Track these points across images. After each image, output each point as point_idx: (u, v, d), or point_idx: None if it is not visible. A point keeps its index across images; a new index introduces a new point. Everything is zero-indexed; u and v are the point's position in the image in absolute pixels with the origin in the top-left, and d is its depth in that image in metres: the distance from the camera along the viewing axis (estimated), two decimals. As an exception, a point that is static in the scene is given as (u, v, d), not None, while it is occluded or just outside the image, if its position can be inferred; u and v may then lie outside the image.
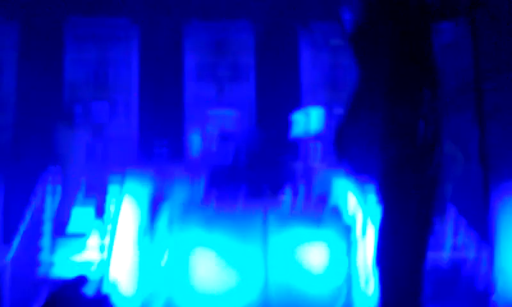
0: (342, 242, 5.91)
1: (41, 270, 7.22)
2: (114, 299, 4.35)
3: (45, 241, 7.53)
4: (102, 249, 7.21)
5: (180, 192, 7.39)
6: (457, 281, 6.18)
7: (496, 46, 7.54)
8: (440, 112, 3.01)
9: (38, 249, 7.49)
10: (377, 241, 3.03)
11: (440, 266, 6.32)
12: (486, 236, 6.29)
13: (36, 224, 7.82)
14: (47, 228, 7.67)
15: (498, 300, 5.59)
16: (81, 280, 4.38)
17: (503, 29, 7.82)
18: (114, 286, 6.15)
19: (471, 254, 6.73)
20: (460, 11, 3.05)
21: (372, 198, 3.23)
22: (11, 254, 7.02)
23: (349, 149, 3.20)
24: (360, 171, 3.24)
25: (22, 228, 7.58)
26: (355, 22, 3.25)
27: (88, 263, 7.05)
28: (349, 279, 5.85)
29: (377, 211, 3.03)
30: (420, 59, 3.12)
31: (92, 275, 6.60)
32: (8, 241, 7.34)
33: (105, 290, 4.52)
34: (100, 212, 7.52)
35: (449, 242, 6.79)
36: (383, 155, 3.03)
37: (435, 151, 3.05)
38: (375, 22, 3.20)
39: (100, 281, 5.92)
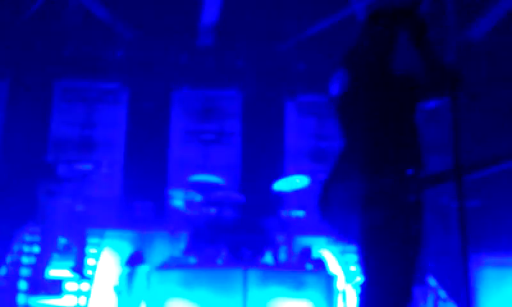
0: (324, 300, 5.85)
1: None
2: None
3: (21, 297, 7.41)
4: (79, 295, 7.13)
5: (160, 249, 7.38)
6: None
7: (478, 124, 7.78)
8: (422, 182, 3.09)
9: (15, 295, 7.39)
10: (358, 303, 3.05)
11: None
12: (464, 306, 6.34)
13: (13, 279, 7.73)
14: (23, 284, 7.58)
15: None
16: None
17: (485, 108, 8.09)
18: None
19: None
20: (444, 92, 3.13)
21: (353, 257, 3.26)
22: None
23: (332, 211, 3.25)
24: (342, 233, 3.27)
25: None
26: (341, 91, 3.36)
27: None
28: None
29: (358, 271, 3.06)
30: (403, 132, 3.21)
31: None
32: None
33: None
34: (78, 267, 7.44)
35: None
36: (364, 219, 3.08)
37: (416, 218, 3.11)
38: (360, 93, 3.31)
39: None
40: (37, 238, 7.75)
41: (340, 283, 6.23)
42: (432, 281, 6.99)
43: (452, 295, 6.95)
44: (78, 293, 7.28)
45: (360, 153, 3.17)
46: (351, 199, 3.15)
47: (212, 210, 7.32)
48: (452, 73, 3.05)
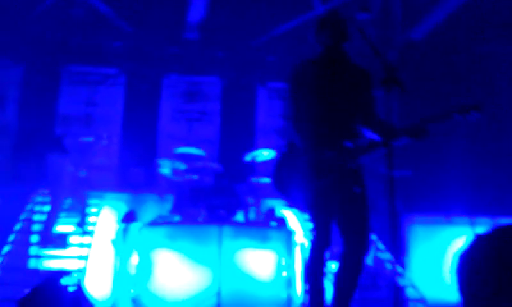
0: (284, 251, 5.95)
1: (31, 263, 7.11)
2: (88, 294, 4.32)
3: (33, 249, 7.42)
4: (81, 247, 7.15)
5: (150, 209, 7.42)
6: (379, 278, 6.31)
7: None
8: (358, 151, 3.15)
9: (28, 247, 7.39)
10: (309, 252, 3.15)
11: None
12: (396, 255, 6.53)
13: (26, 234, 7.72)
14: (35, 237, 7.57)
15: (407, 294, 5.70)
16: (61, 274, 4.29)
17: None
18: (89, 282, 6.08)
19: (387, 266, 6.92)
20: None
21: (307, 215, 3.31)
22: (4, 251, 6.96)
23: (283, 184, 3.32)
24: (291, 200, 3.33)
25: (14, 235, 7.48)
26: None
27: (71, 259, 7.00)
28: (290, 281, 5.88)
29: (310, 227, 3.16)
30: (348, 116, 3.26)
31: (73, 271, 6.56)
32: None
33: (83, 285, 4.42)
34: (81, 223, 7.46)
35: (370, 258, 6.92)
36: (313, 184, 3.13)
37: (356, 181, 3.19)
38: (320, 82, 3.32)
39: (79, 277, 5.83)
40: (47, 198, 7.73)
41: (298, 237, 6.34)
42: (373, 236, 7.12)
43: (388, 247, 7.10)
44: (81, 245, 7.30)
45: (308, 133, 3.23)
46: (298, 173, 3.22)
47: (194, 177, 7.37)
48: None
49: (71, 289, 4.14)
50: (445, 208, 7.02)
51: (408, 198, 7.04)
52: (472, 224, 6.91)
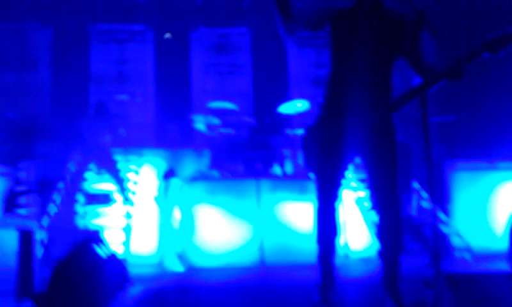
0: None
1: (76, 221, 7.39)
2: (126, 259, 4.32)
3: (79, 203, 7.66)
4: (125, 203, 7.39)
5: (188, 165, 7.56)
6: (423, 229, 6.38)
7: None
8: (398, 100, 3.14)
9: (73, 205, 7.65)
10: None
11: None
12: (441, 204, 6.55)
13: (70, 192, 7.95)
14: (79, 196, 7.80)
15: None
16: (93, 237, 4.02)
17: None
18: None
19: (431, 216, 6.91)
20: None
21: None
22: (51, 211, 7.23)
23: (309, 150, 3.35)
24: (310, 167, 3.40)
25: (58, 197, 7.73)
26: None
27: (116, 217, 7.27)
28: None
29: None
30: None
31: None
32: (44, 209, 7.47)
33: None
34: (122, 180, 7.65)
35: (414, 209, 6.92)
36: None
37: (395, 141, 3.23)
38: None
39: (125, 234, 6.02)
40: (87, 158, 7.88)
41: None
42: (416, 185, 7.10)
43: (432, 196, 7.04)
44: (125, 203, 7.51)
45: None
46: (327, 142, 3.24)
47: (229, 131, 7.45)
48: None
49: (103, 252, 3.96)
50: (489, 153, 6.89)
51: (451, 144, 6.99)
52: (518, 169, 6.76)
